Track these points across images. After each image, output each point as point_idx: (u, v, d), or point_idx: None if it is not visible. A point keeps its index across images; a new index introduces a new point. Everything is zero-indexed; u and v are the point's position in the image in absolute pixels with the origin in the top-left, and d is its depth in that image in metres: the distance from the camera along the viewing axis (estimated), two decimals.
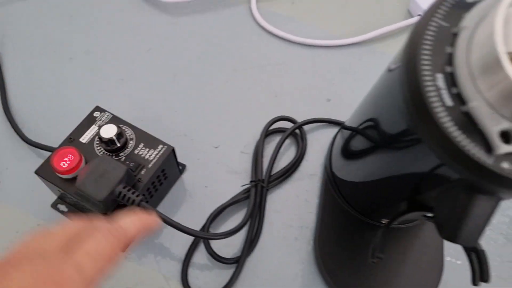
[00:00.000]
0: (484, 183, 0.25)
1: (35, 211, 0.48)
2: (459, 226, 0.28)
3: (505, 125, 0.23)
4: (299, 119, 0.53)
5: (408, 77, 0.26)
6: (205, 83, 0.57)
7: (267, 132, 0.52)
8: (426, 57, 0.25)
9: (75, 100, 0.55)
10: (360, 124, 0.39)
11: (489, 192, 0.27)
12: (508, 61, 0.22)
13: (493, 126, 0.23)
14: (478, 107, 0.23)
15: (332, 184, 0.48)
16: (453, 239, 0.29)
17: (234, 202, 0.47)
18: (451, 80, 0.25)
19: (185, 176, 0.51)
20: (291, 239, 0.47)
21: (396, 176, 0.34)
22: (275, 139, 0.52)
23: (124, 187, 0.40)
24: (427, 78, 0.25)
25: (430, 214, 0.35)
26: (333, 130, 0.53)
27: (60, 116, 0.53)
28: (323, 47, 0.61)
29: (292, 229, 0.48)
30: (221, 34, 0.61)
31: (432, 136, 0.25)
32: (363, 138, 0.38)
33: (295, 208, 0.49)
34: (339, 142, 0.47)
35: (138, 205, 0.40)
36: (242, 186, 0.49)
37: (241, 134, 0.53)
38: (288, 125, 0.53)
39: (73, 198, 0.44)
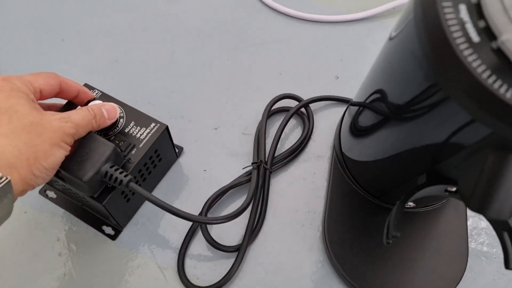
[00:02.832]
0: None
1: (23, 198, 0.44)
2: (489, 194, 0.24)
3: None
4: (306, 97, 0.49)
5: (424, 13, 0.21)
6: (204, 62, 0.53)
7: (271, 112, 0.48)
8: None
9: None
10: (368, 98, 0.34)
11: None
12: None
13: None
14: None
15: (341, 165, 0.43)
16: (482, 211, 0.25)
17: (234, 186, 0.43)
18: (477, 12, 0.20)
19: (182, 159, 0.47)
20: (297, 225, 0.43)
21: (412, 146, 0.30)
22: (280, 119, 0.48)
23: (111, 167, 0.36)
24: (448, 10, 0.20)
25: (452, 188, 0.30)
26: (342, 108, 0.49)
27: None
28: (330, 23, 0.56)
29: (298, 214, 0.44)
30: (222, 11, 0.57)
31: (456, 81, 0.21)
32: (372, 112, 0.34)
33: (301, 192, 0.45)
34: (347, 120, 0.42)
35: (127, 185, 0.36)
36: (244, 168, 0.45)
37: (242, 114, 0.49)
38: (293, 104, 0.49)
39: (60, 184, 0.41)
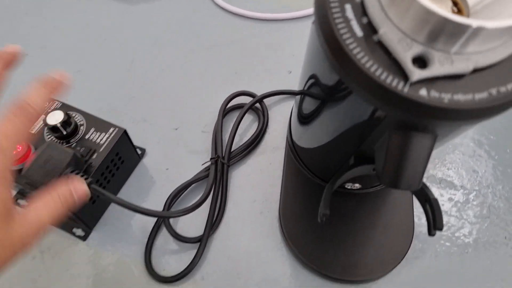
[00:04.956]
0: (409, 116, 0.24)
1: None
2: (398, 170, 0.27)
3: (418, 49, 0.22)
4: (261, 93, 0.52)
5: (318, 13, 0.24)
6: (162, 66, 0.56)
7: (226, 110, 0.51)
8: None
9: None
10: (304, 86, 0.37)
11: (421, 128, 0.25)
12: None
13: (405, 52, 0.22)
14: (389, 33, 0.22)
15: (293, 154, 0.46)
16: (394, 185, 0.27)
17: (194, 181, 0.46)
18: (361, 10, 0.23)
19: (146, 160, 0.49)
20: (256, 213, 0.46)
21: (339, 131, 0.33)
22: (236, 116, 0.51)
23: (71, 172, 0.39)
24: (335, 10, 0.23)
25: None
26: None
27: None
28: (282, 20, 0.59)
29: (256, 204, 0.47)
30: (178, 17, 0.60)
31: (347, 71, 0.23)
32: (306, 100, 0.37)
33: (259, 183, 0.48)
34: (294, 110, 0.45)
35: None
36: (203, 164, 0.48)
37: (201, 114, 0.52)
38: (249, 100, 0.52)
39: (29, 191, 0.43)
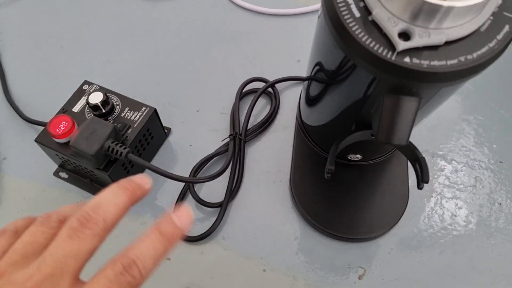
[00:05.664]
0: (396, 79, 0.30)
1: (40, 180, 0.53)
2: (391, 127, 0.33)
3: (402, 26, 0.28)
4: (273, 79, 0.58)
5: (324, 0, 0.30)
6: (184, 57, 0.62)
7: (243, 93, 0.57)
8: None
9: (68, 82, 0.60)
10: (311, 72, 0.43)
11: (408, 92, 0.31)
12: None
13: (393, 28, 0.28)
14: (380, 13, 0.28)
15: (303, 131, 0.52)
16: (388, 140, 0.33)
17: (216, 154, 0.52)
18: None
19: (171, 138, 0.56)
20: (269, 182, 0.52)
21: (342, 105, 0.39)
22: (251, 99, 0.57)
23: (112, 142, 0.45)
24: None
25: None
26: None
27: (55, 96, 0.59)
28: (291, 15, 0.66)
29: (270, 175, 0.53)
30: (197, 13, 0.66)
31: (348, 45, 0.30)
32: (313, 83, 0.43)
33: (272, 157, 0.54)
34: (303, 93, 0.51)
35: (126, 156, 0.45)
36: (222, 140, 0.54)
37: (220, 97, 0.58)
38: (262, 85, 0.58)
39: (71, 162, 0.49)
